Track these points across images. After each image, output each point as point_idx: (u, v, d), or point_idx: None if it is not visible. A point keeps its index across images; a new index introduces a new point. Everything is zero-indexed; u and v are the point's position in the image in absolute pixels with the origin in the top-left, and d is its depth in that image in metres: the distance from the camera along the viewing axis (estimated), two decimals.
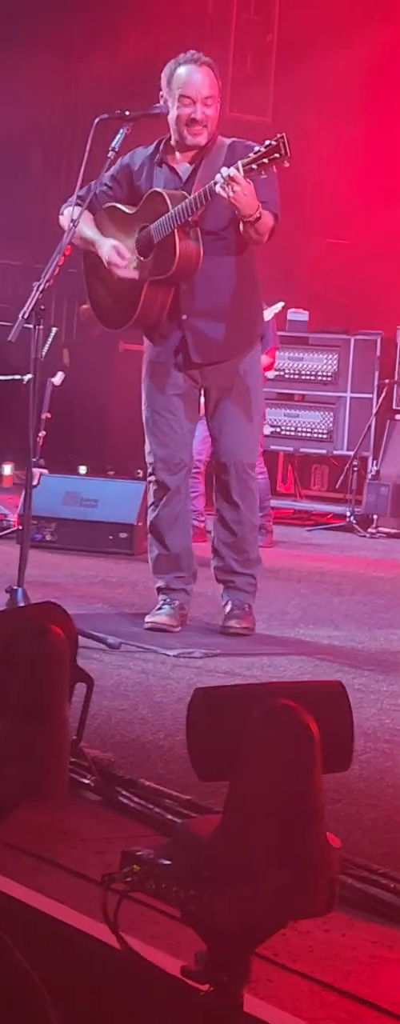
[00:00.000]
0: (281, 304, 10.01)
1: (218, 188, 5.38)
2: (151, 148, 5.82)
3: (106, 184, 5.82)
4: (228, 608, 5.83)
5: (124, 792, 3.22)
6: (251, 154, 5.34)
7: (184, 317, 5.72)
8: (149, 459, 5.90)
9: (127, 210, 5.78)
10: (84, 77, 15.91)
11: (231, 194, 5.34)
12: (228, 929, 1.76)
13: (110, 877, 1.83)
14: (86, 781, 3.26)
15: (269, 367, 9.87)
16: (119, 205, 5.81)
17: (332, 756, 1.80)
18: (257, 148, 5.34)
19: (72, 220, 5.39)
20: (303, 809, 1.71)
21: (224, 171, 5.37)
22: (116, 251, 5.72)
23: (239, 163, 5.34)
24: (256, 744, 1.65)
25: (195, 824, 1.82)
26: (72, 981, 2.25)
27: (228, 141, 5.72)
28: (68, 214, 5.66)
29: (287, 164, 5.29)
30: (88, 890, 2.56)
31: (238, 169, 5.32)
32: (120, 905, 1.87)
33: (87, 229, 5.78)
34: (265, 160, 5.28)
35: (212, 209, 5.53)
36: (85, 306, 18.08)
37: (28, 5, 14.77)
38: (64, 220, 5.71)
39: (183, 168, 5.73)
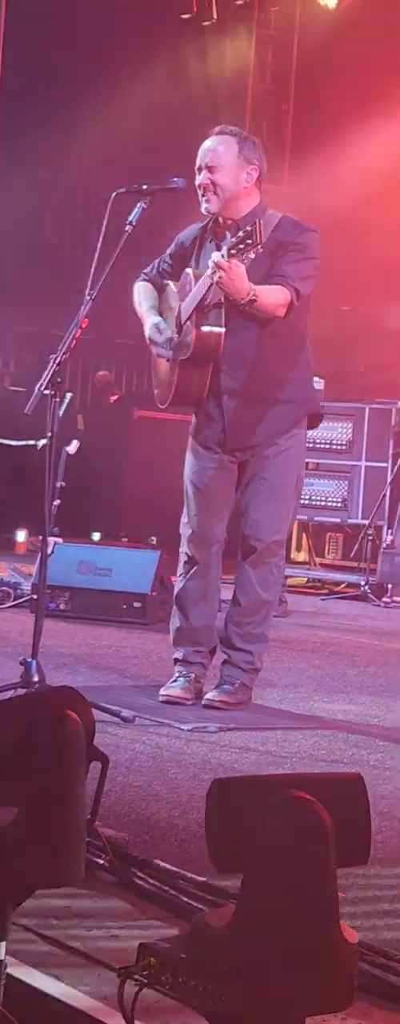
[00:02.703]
0: None
1: (208, 273, 5.40)
2: (204, 223, 5.86)
3: (166, 261, 5.97)
4: (218, 680, 5.80)
5: (139, 873, 3.19)
6: (232, 239, 5.36)
7: (225, 399, 5.71)
8: (182, 529, 5.90)
9: (175, 288, 5.83)
10: (100, 147, 16.04)
11: (216, 279, 5.35)
12: None
13: (127, 971, 1.81)
14: (101, 862, 3.23)
15: None
16: (171, 283, 5.87)
17: (349, 850, 1.78)
18: (248, 228, 5.31)
19: (89, 293, 5.40)
20: (317, 904, 1.68)
21: (214, 255, 5.38)
22: (157, 329, 5.77)
23: (224, 249, 5.36)
24: (270, 837, 1.63)
25: (212, 916, 1.80)
26: None
27: (278, 216, 5.72)
28: (136, 289, 5.95)
29: (260, 250, 5.28)
30: (103, 976, 2.54)
31: (223, 255, 5.32)
32: (137, 999, 1.85)
33: (141, 304, 5.92)
34: (241, 247, 5.28)
35: None
36: (102, 373, 18.17)
37: (44, 72, 14.89)
38: (134, 294, 5.97)
39: (225, 242, 5.64)
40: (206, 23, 15.32)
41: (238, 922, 1.68)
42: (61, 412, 11.09)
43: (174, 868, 3.19)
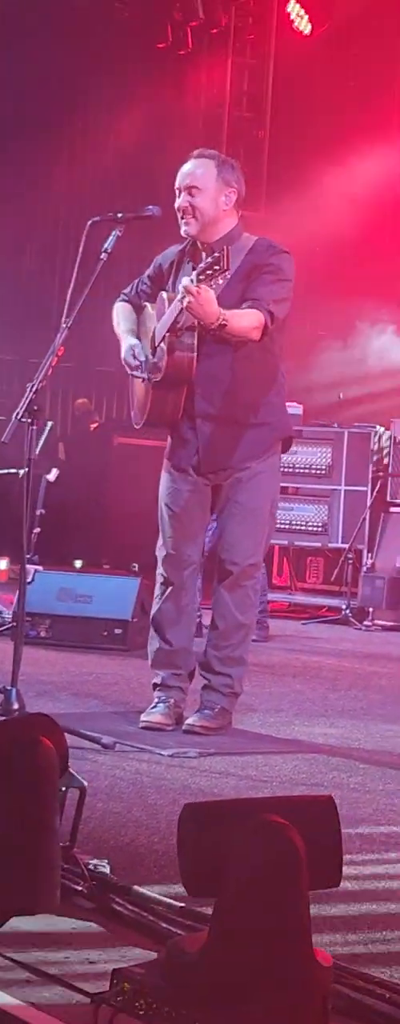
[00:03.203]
0: None
1: (179, 298, 5.41)
2: (182, 246, 5.88)
3: (144, 283, 6.00)
4: (198, 705, 5.80)
5: (118, 899, 3.18)
6: (200, 265, 5.37)
7: (199, 421, 5.73)
8: (157, 551, 5.90)
9: (152, 310, 5.85)
10: (79, 176, 16.09)
11: (185, 304, 5.36)
12: None
13: (101, 997, 1.80)
14: (79, 888, 3.22)
15: None
16: (148, 305, 5.90)
17: (321, 872, 1.77)
18: (215, 254, 5.31)
19: (65, 321, 5.41)
20: (290, 928, 1.68)
21: (184, 280, 5.40)
22: (132, 352, 5.78)
23: (193, 274, 5.37)
24: (241, 861, 1.63)
25: (185, 941, 1.80)
26: None
27: (253, 239, 5.74)
28: (115, 310, 6.00)
29: (228, 276, 5.29)
30: (79, 1003, 2.53)
31: (192, 280, 5.33)
32: None
33: (120, 325, 5.96)
34: (209, 272, 5.29)
35: None
36: (80, 400, 18.19)
37: (23, 106, 14.92)
38: (113, 314, 6.00)
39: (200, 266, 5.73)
40: (181, 52, 15.36)
41: (211, 947, 1.68)
42: (42, 441, 11.14)
43: (153, 894, 3.18)
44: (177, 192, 5.75)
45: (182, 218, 5.73)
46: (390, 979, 2.73)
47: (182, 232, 5.77)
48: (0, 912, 2.04)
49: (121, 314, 6.00)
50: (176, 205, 5.74)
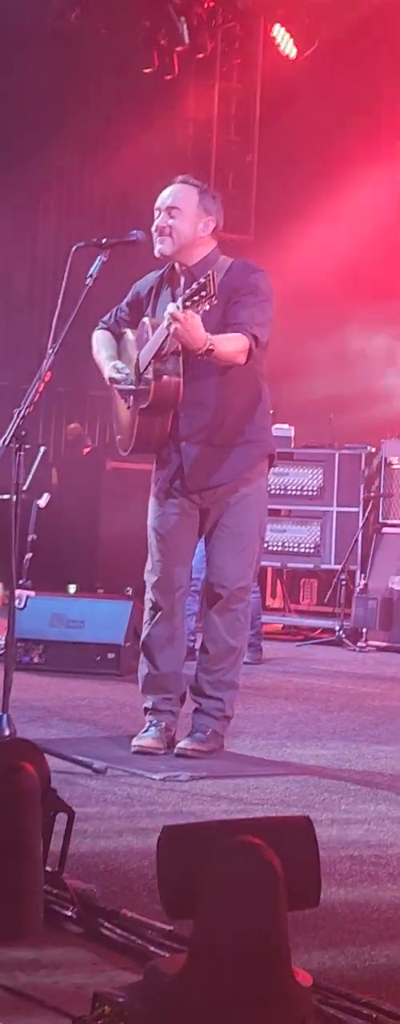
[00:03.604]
0: None
1: (165, 324, 5.43)
2: (160, 272, 5.89)
3: (123, 310, 6.02)
4: (190, 729, 5.81)
5: (106, 924, 3.18)
6: (187, 291, 5.37)
7: (183, 444, 5.74)
8: (146, 576, 5.91)
9: (133, 336, 5.86)
10: (67, 202, 16.15)
11: (172, 330, 5.37)
12: None
13: (82, 1020, 1.81)
14: (68, 913, 3.22)
15: None
16: (129, 331, 5.91)
17: (299, 893, 1.78)
18: (202, 280, 5.31)
19: (51, 346, 5.43)
20: (267, 948, 1.69)
21: (170, 307, 5.41)
22: (116, 369, 5.79)
23: (179, 300, 5.38)
24: (218, 882, 1.64)
25: (164, 963, 1.81)
26: None
27: (230, 261, 5.77)
28: (95, 338, 6.00)
29: (215, 301, 5.29)
30: None
31: (178, 306, 5.34)
32: None
33: (100, 352, 5.97)
34: (195, 299, 5.29)
35: None
36: (73, 425, 18.17)
37: (11, 133, 14.96)
38: (93, 342, 6.01)
39: (180, 290, 5.72)
40: (168, 77, 15.41)
41: (189, 968, 1.69)
42: (35, 466, 11.12)
43: (141, 917, 3.18)
44: (156, 212, 5.78)
45: (158, 237, 5.74)
46: (377, 1000, 2.73)
47: (155, 252, 5.77)
48: None
49: (100, 341, 6.02)
50: (153, 226, 5.76)
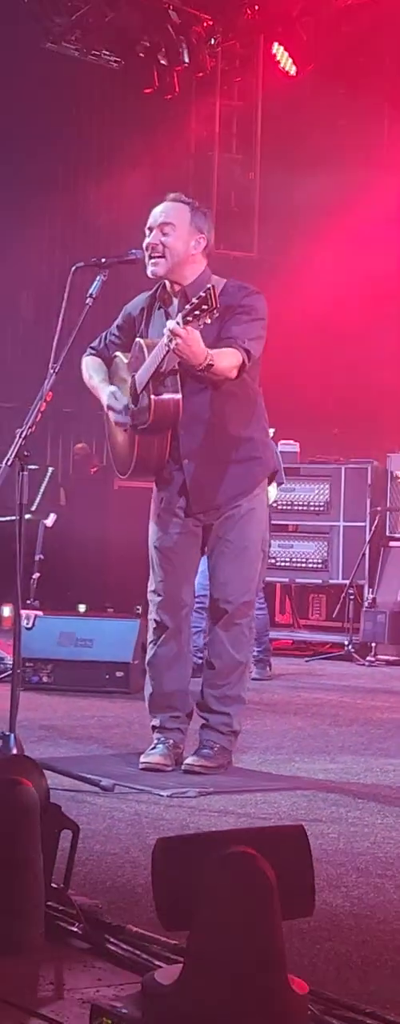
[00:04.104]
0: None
1: (165, 341, 5.43)
2: (151, 292, 5.90)
3: (114, 334, 6.00)
4: (198, 746, 5.81)
5: (112, 939, 3.19)
6: (187, 306, 5.35)
7: (186, 462, 5.74)
8: (150, 596, 5.91)
9: (125, 359, 5.86)
10: (71, 223, 16.20)
11: (173, 346, 5.37)
12: None
13: None
14: (74, 929, 3.23)
15: None
16: (120, 354, 5.90)
17: (293, 901, 1.79)
18: (202, 294, 5.31)
19: (52, 367, 5.44)
20: (262, 957, 1.70)
21: (169, 323, 5.41)
22: (114, 396, 5.80)
23: (179, 316, 5.37)
24: (212, 892, 1.65)
25: (161, 974, 1.82)
26: None
27: (223, 282, 5.76)
28: (85, 364, 5.97)
29: (216, 314, 5.31)
30: None
31: (178, 322, 5.34)
32: None
33: (93, 377, 5.95)
34: (197, 313, 5.29)
35: None
36: (80, 445, 18.19)
37: (16, 156, 15.03)
38: (83, 369, 5.98)
39: (172, 309, 5.74)
40: (169, 96, 15.46)
41: (185, 978, 1.70)
42: (43, 487, 11.10)
43: (147, 932, 3.19)
44: (148, 231, 5.76)
45: (150, 257, 5.73)
46: (382, 1011, 2.74)
47: (149, 272, 5.76)
48: None
49: (91, 367, 6.00)
50: (145, 243, 5.74)
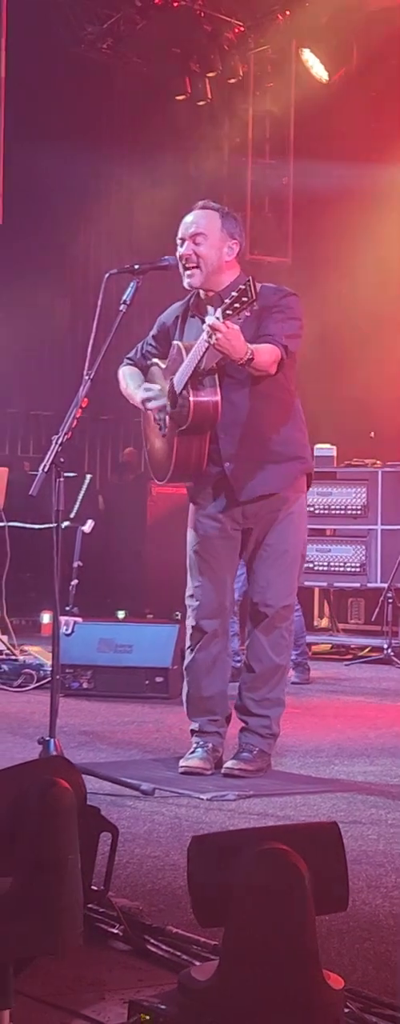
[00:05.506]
0: None
1: (205, 337, 5.45)
2: (184, 301, 5.92)
3: (150, 344, 6.02)
4: (237, 749, 5.83)
5: (152, 940, 3.22)
6: (226, 300, 5.37)
7: (227, 464, 5.74)
8: (187, 601, 5.93)
9: (162, 365, 5.89)
10: (107, 231, 16.27)
11: (213, 342, 5.37)
12: None
13: None
14: (114, 931, 3.27)
15: None
16: (157, 361, 5.93)
17: (327, 897, 1.81)
18: (241, 287, 5.31)
19: (87, 373, 5.48)
20: (297, 952, 1.72)
21: (208, 319, 5.43)
22: (146, 389, 5.84)
23: (219, 311, 5.38)
24: (246, 888, 1.67)
25: (197, 970, 1.84)
26: None
27: (259, 286, 5.76)
28: (121, 374, 6.00)
29: (256, 307, 5.32)
30: None
31: (218, 317, 5.35)
32: None
33: (129, 385, 5.98)
34: (236, 306, 5.30)
35: None
36: (129, 449, 18.22)
37: (50, 164, 15.10)
38: (120, 379, 6.02)
39: (208, 316, 5.76)
40: (201, 103, 15.48)
41: (221, 975, 1.73)
42: (82, 494, 11.13)
43: (187, 933, 3.21)
44: (179, 242, 5.76)
45: (185, 268, 5.73)
46: None
47: (185, 284, 5.77)
48: (20, 956, 2.08)
49: (127, 376, 6.02)
50: (178, 254, 5.75)
